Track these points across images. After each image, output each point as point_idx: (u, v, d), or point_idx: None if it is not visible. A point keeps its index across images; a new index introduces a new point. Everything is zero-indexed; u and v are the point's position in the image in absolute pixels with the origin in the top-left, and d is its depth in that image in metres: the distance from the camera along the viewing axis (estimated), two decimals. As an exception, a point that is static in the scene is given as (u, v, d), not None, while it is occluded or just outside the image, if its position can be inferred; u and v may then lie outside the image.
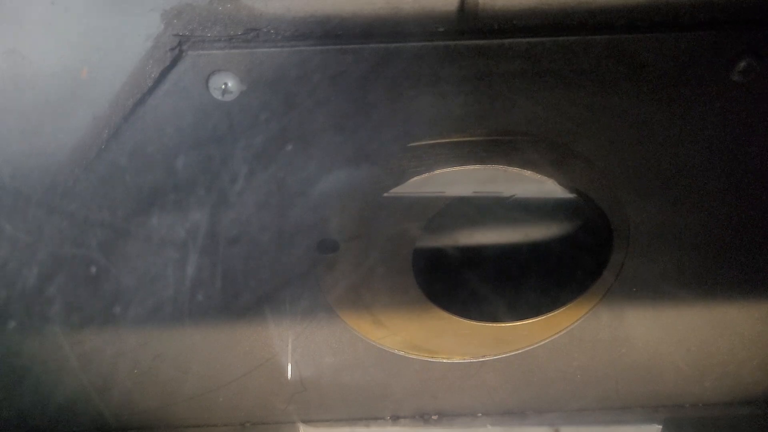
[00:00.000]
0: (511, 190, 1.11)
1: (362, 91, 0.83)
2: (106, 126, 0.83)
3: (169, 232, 0.92)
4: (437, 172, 0.95)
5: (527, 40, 0.80)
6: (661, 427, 1.15)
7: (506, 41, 0.81)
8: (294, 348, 1.05)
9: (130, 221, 0.90)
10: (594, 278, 1.04)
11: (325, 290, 1.00)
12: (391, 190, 0.96)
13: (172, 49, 0.79)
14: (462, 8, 0.79)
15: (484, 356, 1.08)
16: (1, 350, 1.01)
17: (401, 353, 1.07)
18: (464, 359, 1.08)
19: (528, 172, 1.00)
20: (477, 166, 0.96)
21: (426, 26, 0.80)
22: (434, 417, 1.16)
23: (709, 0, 0.79)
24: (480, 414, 1.16)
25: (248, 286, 0.98)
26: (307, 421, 1.15)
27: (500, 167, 0.98)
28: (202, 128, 0.84)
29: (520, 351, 1.08)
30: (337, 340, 1.05)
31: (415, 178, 0.94)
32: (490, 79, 0.83)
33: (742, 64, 0.82)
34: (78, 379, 1.04)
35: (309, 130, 0.86)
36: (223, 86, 0.81)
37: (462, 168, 0.95)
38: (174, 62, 0.80)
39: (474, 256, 1.18)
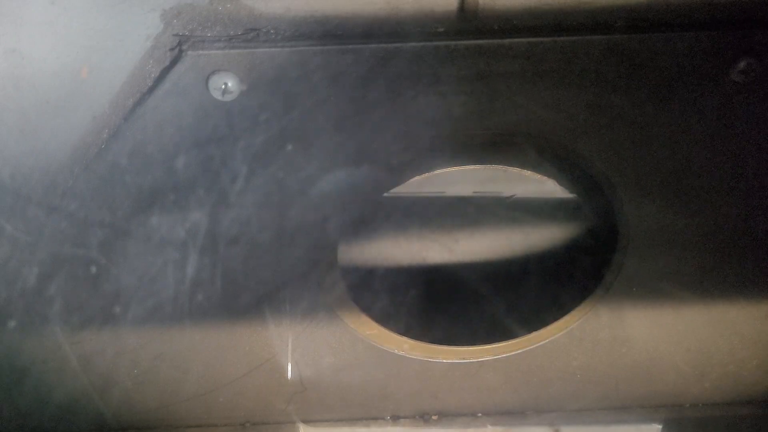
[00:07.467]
0: (511, 190, 1.12)
1: (362, 91, 0.83)
2: (106, 126, 0.83)
3: (169, 232, 0.92)
4: (437, 172, 0.95)
5: (527, 40, 0.80)
6: (661, 427, 1.15)
7: (506, 41, 0.81)
8: (294, 348, 1.05)
9: (130, 221, 0.90)
10: (594, 281, 1.04)
11: (325, 290, 1.00)
12: (392, 190, 0.96)
13: (171, 49, 0.79)
14: (462, 8, 0.79)
15: (484, 356, 1.08)
16: (1, 350, 1.01)
17: (401, 353, 1.07)
18: (464, 359, 1.08)
19: (528, 172, 1.00)
20: (477, 166, 0.96)
21: (426, 26, 0.80)
22: (434, 417, 1.15)
23: (708, 0, 0.79)
24: (480, 414, 1.16)
25: (248, 287, 0.98)
26: (307, 421, 1.15)
27: (500, 167, 0.98)
28: (202, 128, 0.84)
29: (520, 351, 1.08)
30: (337, 340, 1.05)
31: (415, 178, 0.94)
32: (490, 79, 0.83)
33: (742, 64, 0.82)
34: (78, 379, 1.04)
35: (309, 130, 0.86)
36: (223, 86, 0.81)
37: (462, 168, 0.95)
38: (174, 62, 0.80)
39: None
